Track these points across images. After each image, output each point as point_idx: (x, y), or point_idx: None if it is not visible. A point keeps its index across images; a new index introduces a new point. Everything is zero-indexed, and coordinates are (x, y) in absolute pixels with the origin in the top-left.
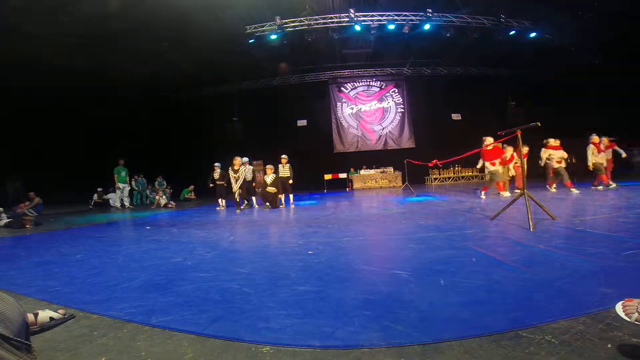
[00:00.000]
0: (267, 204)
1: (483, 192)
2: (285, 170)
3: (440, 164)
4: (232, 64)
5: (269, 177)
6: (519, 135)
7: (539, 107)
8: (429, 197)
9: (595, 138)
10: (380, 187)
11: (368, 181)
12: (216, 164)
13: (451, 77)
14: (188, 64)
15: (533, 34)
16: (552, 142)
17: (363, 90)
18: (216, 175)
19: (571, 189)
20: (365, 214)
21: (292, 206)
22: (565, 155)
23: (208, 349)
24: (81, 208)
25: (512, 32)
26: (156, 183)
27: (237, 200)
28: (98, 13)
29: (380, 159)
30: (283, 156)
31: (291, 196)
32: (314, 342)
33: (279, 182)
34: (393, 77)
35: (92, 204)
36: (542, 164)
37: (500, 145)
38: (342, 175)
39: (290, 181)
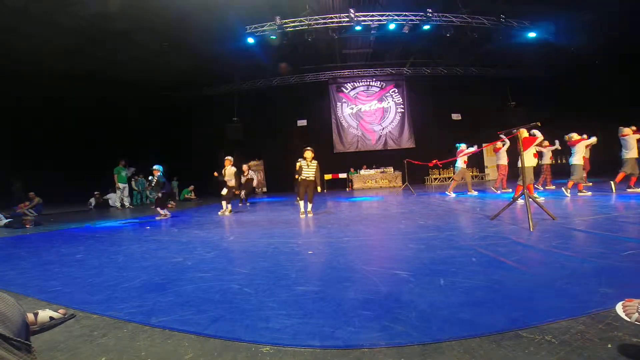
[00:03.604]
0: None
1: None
2: (310, 169)
3: (440, 164)
4: (232, 64)
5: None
6: (519, 135)
7: (539, 107)
8: (430, 196)
9: None
10: (380, 187)
11: (368, 181)
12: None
13: (451, 77)
14: (188, 64)
15: (533, 34)
16: (575, 136)
17: (363, 90)
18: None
19: (574, 189)
20: (365, 213)
21: (311, 214)
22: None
23: (208, 349)
24: (81, 208)
25: (512, 32)
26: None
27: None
28: (98, 13)
29: (380, 159)
30: (308, 149)
31: (310, 205)
32: (314, 342)
33: (303, 186)
34: (393, 77)
35: (91, 206)
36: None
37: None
38: (342, 175)
39: (318, 186)
